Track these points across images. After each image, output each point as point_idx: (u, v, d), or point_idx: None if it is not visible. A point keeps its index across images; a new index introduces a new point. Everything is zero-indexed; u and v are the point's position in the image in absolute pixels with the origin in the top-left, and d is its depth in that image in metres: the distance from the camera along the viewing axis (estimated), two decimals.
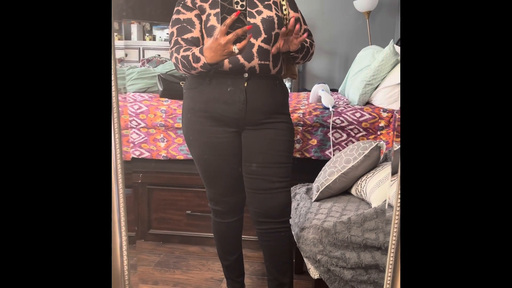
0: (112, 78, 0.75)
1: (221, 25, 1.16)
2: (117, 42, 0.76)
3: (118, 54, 0.78)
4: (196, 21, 1.37)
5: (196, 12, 1.38)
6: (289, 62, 1.52)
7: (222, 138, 1.41)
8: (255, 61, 1.36)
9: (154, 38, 4.28)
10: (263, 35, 1.36)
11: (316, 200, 1.78)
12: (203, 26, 1.38)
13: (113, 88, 0.76)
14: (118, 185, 0.89)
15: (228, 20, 1.15)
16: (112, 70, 0.75)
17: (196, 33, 1.37)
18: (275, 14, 1.39)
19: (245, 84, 1.37)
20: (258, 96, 1.38)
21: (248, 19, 1.35)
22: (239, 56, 1.34)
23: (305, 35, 1.33)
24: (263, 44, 1.36)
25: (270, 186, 1.42)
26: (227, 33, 1.16)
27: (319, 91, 2.33)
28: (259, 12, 1.38)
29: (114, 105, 0.79)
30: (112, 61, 0.77)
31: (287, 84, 3.13)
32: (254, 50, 1.35)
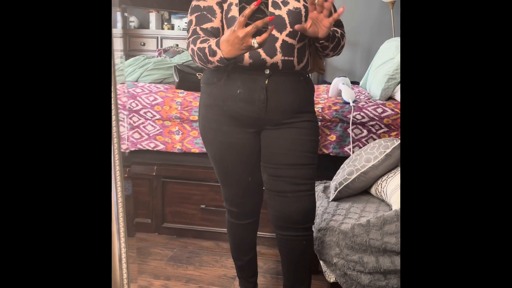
0: (111, 70, 0.71)
1: (239, 15, 1.06)
2: (115, 30, 0.72)
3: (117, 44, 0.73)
4: (218, 10, 1.28)
5: None
6: (316, 55, 1.41)
7: (240, 139, 1.33)
8: (278, 57, 1.26)
9: (172, 27, 4.24)
10: (288, 29, 1.26)
11: (334, 200, 1.72)
12: (224, 16, 1.28)
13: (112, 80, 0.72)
14: (116, 177, 0.85)
15: (247, 11, 1.04)
16: (112, 62, 0.71)
17: (216, 23, 1.27)
18: (303, 4, 1.28)
19: (266, 82, 1.27)
20: (280, 95, 1.29)
21: (272, 10, 1.25)
22: (261, 51, 1.25)
23: (341, 10, 1.18)
24: (287, 38, 1.26)
25: (294, 189, 1.32)
26: (246, 25, 1.05)
27: (340, 85, 2.25)
28: (285, 3, 1.27)
29: (112, 95, 0.75)
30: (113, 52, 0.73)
31: None
32: (278, 44, 1.25)
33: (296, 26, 1.21)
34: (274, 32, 1.25)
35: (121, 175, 0.85)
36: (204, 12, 1.28)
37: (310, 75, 1.42)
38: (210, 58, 1.18)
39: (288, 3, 1.27)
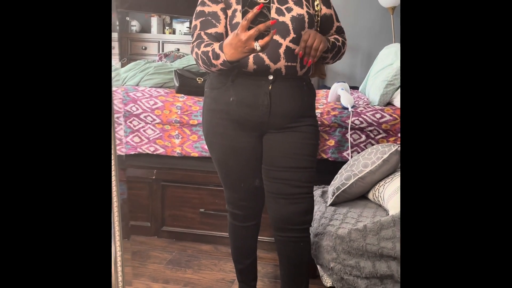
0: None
1: (242, 19, 1.08)
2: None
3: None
4: (222, 15, 1.31)
5: (222, 5, 1.31)
6: (317, 61, 1.42)
7: (245, 142, 1.35)
8: (282, 63, 1.28)
9: (174, 32, 4.26)
10: (292, 35, 1.28)
11: (331, 205, 1.73)
12: (228, 22, 1.31)
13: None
14: (112, 180, 0.87)
15: (250, 14, 1.06)
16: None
17: (220, 28, 1.30)
18: (306, 11, 1.30)
19: (270, 87, 1.29)
20: (283, 100, 1.31)
21: (276, 16, 1.27)
22: (265, 57, 1.27)
23: (313, 61, 1.25)
24: (291, 45, 1.28)
25: (293, 191, 1.34)
26: (249, 28, 1.08)
27: (339, 90, 2.26)
28: (289, 9, 1.29)
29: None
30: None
31: None
32: (281, 50, 1.27)
33: (296, 51, 1.25)
34: (278, 38, 1.27)
35: (117, 178, 0.86)
36: (209, 18, 1.31)
37: (311, 79, 1.44)
38: (213, 61, 1.21)
39: (292, 9, 1.29)
